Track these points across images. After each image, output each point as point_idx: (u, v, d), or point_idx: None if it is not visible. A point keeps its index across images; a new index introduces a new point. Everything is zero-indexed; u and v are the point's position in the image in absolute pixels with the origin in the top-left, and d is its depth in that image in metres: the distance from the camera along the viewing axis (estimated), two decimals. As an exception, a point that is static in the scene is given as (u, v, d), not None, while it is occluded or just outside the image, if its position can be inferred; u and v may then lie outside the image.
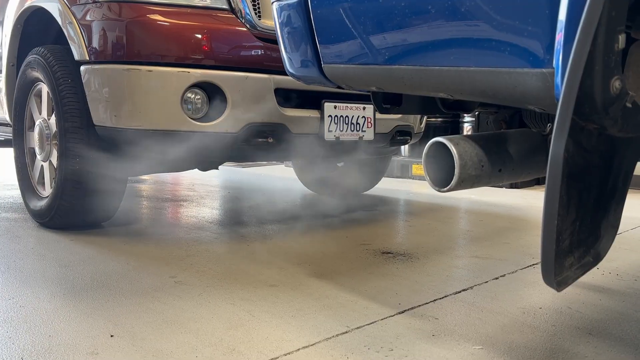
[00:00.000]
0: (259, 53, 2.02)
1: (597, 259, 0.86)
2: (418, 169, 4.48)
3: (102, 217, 2.24)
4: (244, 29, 1.99)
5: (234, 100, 1.93)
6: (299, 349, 1.10)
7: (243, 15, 2.01)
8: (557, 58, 0.68)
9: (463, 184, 0.82)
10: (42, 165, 2.30)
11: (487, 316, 1.32)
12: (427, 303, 1.41)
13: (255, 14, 2.02)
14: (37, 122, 2.30)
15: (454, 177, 0.81)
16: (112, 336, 1.14)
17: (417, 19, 0.89)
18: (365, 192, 3.52)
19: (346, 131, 2.25)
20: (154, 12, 1.90)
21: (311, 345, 1.12)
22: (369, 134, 2.35)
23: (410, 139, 2.74)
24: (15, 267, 1.65)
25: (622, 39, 0.62)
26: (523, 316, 1.33)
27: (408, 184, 4.26)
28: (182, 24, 1.91)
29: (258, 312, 1.30)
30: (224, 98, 1.93)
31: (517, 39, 0.73)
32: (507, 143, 0.86)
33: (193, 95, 1.92)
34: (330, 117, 2.17)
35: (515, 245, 2.10)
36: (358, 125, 2.29)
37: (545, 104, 0.74)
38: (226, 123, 1.94)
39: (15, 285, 1.47)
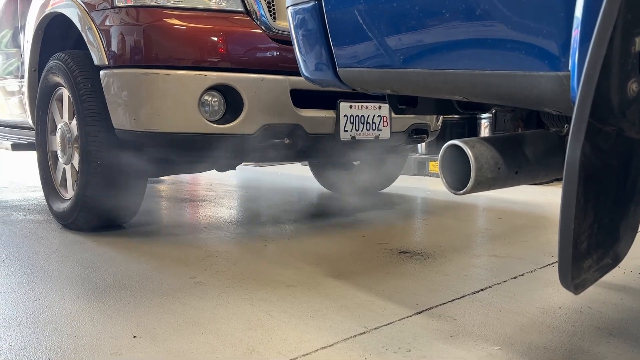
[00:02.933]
0: (275, 54, 2.03)
1: (616, 260, 0.85)
2: (435, 166, 4.45)
3: (123, 218, 2.28)
4: (259, 31, 2.01)
5: (250, 102, 1.95)
6: (317, 350, 1.11)
7: (258, 17, 2.03)
8: (573, 61, 0.68)
9: (479, 186, 0.82)
10: (64, 168, 2.35)
11: (506, 316, 1.32)
12: (444, 303, 1.41)
13: (270, 15, 2.04)
14: (58, 126, 2.35)
15: (470, 180, 0.81)
16: (134, 337, 1.16)
17: (431, 21, 0.89)
18: (382, 191, 3.52)
19: (362, 130, 2.26)
20: (171, 16, 1.93)
21: (329, 345, 1.13)
22: (385, 133, 2.35)
23: (427, 137, 2.73)
24: (40, 269, 1.69)
25: (639, 41, 0.61)
26: (542, 316, 1.32)
27: (425, 182, 4.24)
28: (199, 27, 1.93)
29: (276, 313, 1.32)
30: (240, 100, 1.95)
31: (533, 42, 0.73)
32: (524, 145, 0.86)
33: (210, 98, 1.94)
34: (346, 117, 2.18)
35: (534, 244, 2.09)
36: (374, 125, 2.29)
37: (561, 107, 0.74)
38: (243, 125, 1.96)
39: (40, 286, 1.52)
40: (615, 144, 0.75)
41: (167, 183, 4.09)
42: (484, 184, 0.82)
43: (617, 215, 0.84)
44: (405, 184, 3.96)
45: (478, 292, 1.51)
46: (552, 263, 1.81)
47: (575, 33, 0.66)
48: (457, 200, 3.22)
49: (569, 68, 0.68)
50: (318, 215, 2.72)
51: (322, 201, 3.23)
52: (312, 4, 1.08)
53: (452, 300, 1.44)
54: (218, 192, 3.62)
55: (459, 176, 0.86)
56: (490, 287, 1.55)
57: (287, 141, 2.07)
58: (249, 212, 2.88)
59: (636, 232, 0.89)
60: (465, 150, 0.81)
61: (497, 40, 0.76)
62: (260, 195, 3.51)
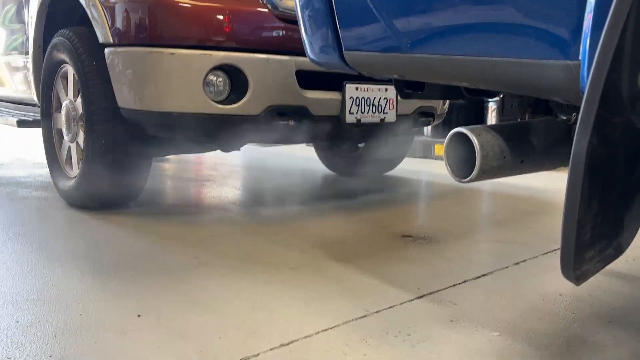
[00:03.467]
0: (281, 34, 2.01)
1: (619, 251, 0.85)
2: (440, 149, 4.43)
3: (129, 197, 2.29)
4: (266, 9, 1.98)
5: (255, 83, 1.94)
6: (318, 332, 1.12)
7: (264, -5, 2.00)
8: (584, 49, 0.66)
9: (484, 175, 0.82)
10: (69, 146, 2.36)
11: (506, 302, 1.33)
12: (446, 288, 1.42)
13: (277, -7, 2.01)
14: (63, 104, 2.34)
15: (475, 168, 0.80)
16: (139, 316, 1.18)
17: (440, 5, 0.87)
18: (386, 173, 3.51)
19: (368, 113, 2.24)
20: (177, -7, 1.90)
21: (330, 328, 1.14)
22: (390, 116, 2.33)
23: (433, 120, 2.71)
24: (46, 246, 1.71)
25: None
26: (543, 303, 1.33)
27: (430, 165, 4.23)
28: (204, 5, 1.91)
29: (279, 295, 1.33)
30: (245, 80, 1.93)
31: (543, 29, 0.72)
32: (530, 133, 0.85)
33: (215, 78, 1.93)
34: (351, 99, 2.16)
35: (538, 229, 2.09)
36: (380, 107, 2.28)
37: (570, 96, 0.73)
38: (248, 105, 1.95)
39: (47, 264, 1.53)
40: (623, 135, 0.74)
41: (172, 162, 4.10)
42: (489, 173, 0.82)
43: (621, 206, 0.84)
44: (411, 167, 3.95)
45: (480, 277, 1.52)
46: (555, 250, 1.82)
47: (588, 20, 0.65)
48: (462, 185, 3.20)
49: (579, 57, 0.67)
50: (322, 197, 2.73)
51: (326, 183, 3.23)
52: (319, -16, 1.06)
53: (454, 285, 1.44)
54: (222, 172, 3.63)
55: (463, 164, 0.86)
56: (492, 272, 1.56)
57: (291, 123, 2.06)
58: (253, 193, 2.89)
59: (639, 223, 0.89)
60: (471, 138, 0.80)
61: (506, 26, 0.75)
62: (265, 176, 3.51)
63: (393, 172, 3.55)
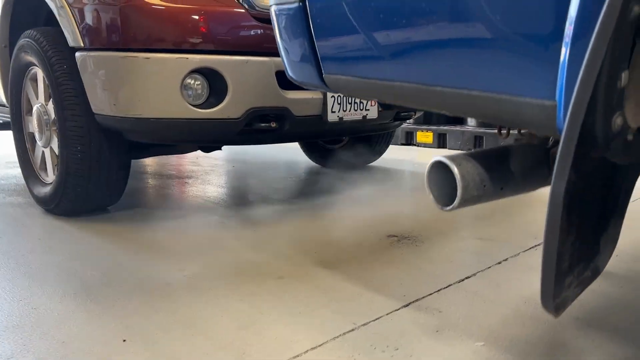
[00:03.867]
0: (259, 35, 1.97)
1: (596, 273, 0.87)
2: (422, 136, 4.45)
3: (108, 202, 2.25)
4: (243, 10, 1.93)
5: (234, 86, 1.90)
6: (307, 351, 1.13)
7: (241, -5, 1.95)
8: (560, 92, 0.67)
9: (465, 203, 0.82)
10: (43, 151, 2.30)
11: (490, 307, 1.35)
12: (431, 294, 1.43)
13: (254, -7, 1.96)
14: (34, 107, 2.27)
15: (457, 198, 0.81)
16: (124, 341, 1.17)
17: (417, 37, 0.86)
18: (370, 164, 3.51)
19: (350, 111, 2.23)
20: (149, -5, 1.84)
21: (319, 345, 1.15)
22: (372, 112, 2.32)
23: (415, 114, 2.71)
24: (24, 262, 1.67)
25: (624, 76, 0.61)
26: (525, 306, 1.35)
27: (413, 153, 4.25)
28: (179, 7, 1.85)
29: (267, 309, 1.33)
30: (224, 83, 1.90)
31: (521, 68, 0.71)
32: (510, 159, 0.85)
33: (193, 82, 1.88)
34: (333, 98, 2.14)
35: (519, 223, 2.12)
36: (362, 104, 2.26)
37: (547, 133, 0.73)
38: (227, 109, 1.92)
39: (25, 283, 1.50)
40: (599, 167, 0.75)
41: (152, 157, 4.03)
42: (470, 201, 0.83)
43: (598, 228, 0.85)
44: (394, 156, 3.96)
45: (463, 280, 1.54)
46: (536, 246, 1.85)
47: (563, 64, 0.65)
48: (443, 174, 3.23)
49: (556, 98, 0.68)
50: (307, 193, 2.72)
51: (310, 177, 3.22)
52: (296, 5, 1.03)
53: (439, 290, 1.46)
54: (204, 166, 3.59)
55: (446, 191, 0.86)
56: (475, 274, 1.58)
57: (273, 125, 2.03)
58: (237, 191, 2.87)
59: (615, 244, 0.91)
60: (452, 168, 0.80)
61: (484, 61, 0.74)
62: (248, 171, 3.48)
63: (377, 163, 3.56)
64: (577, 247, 0.79)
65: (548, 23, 0.66)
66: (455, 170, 0.80)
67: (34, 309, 1.33)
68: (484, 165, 0.82)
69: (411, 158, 3.96)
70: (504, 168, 0.85)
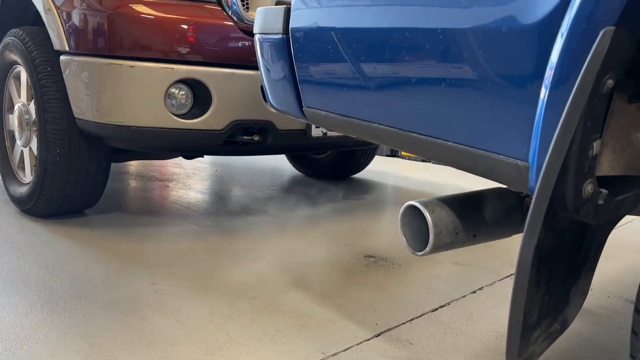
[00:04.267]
0: (246, 47, 1.95)
1: (564, 326, 0.87)
2: (407, 149, 4.46)
3: (85, 205, 2.22)
4: (231, 22, 1.92)
5: (219, 98, 1.89)
6: (273, 382, 1.11)
7: (230, 6, 1.93)
8: (533, 155, 0.67)
9: (437, 249, 0.82)
10: (22, 151, 2.26)
11: (461, 341, 1.35)
12: (404, 323, 1.43)
13: (243, 5, 1.94)
14: (16, 106, 2.23)
15: (429, 245, 0.81)
16: (88, 362, 1.15)
17: (393, 81, 0.86)
18: (354, 176, 3.51)
19: (334, 127, 2.22)
20: (138, 2, 1.82)
21: (286, 376, 1.14)
22: (357, 129, 2.32)
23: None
24: (-6, 268, 1.64)
25: (597, 145, 0.61)
26: (496, 342, 1.36)
27: (397, 165, 4.26)
28: (167, 17, 1.83)
29: (236, 333, 1.31)
30: (209, 95, 1.88)
31: (496, 128, 0.72)
32: (483, 206, 0.85)
33: (177, 91, 1.86)
34: (318, 114, 2.13)
35: (497, 248, 2.12)
36: (346, 121, 2.25)
37: (521, 190, 0.73)
38: (211, 120, 1.90)
39: (-7, 291, 1.47)
40: (570, 225, 0.75)
41: (135, 155, 3.99)
42: (442, 248, 0.83)
43: (568, 280, 0.85)
44: (377, 167, 3.96)
45: (437, 309, 1.54)
46: (511, 274, 1.86)
47: (536, 128, 0.65)
48: (427, 191, 3.24)
49: (529, 159, 0.68)
50: (288, 205, 2.70)
51: (293, 187, 3.21)
52: (279, 37, 1.02)
53: (411, 319, 1.46)
54: (187, 169, 3.56)
55: (419, 234, 0.86)
56: (449, 303, 1.58)
57: (256, 138, 2.02)
58: (218, 198, 2.85)
59: (585, 296, 0.91)
60: (425, 214, 0.80)
61: (460, 114, 0.74)
62: (230, 176, 3.46)
63: (361, 174, 3.56)
64: (546, 300, 0.80)
65: (523, 85, 0.67)
66: (428, 217, 0.80)
67: (-2, 321, 1.30)
68: (457, 212, 0.82)
69: (395, 171, 3.97)
70: (477, 215, 0.85)
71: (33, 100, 2.08)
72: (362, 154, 3.28)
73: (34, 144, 2.15)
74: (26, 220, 2.13)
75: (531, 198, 0.98)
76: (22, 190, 2.21)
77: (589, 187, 0.65)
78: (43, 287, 1.52)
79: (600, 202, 0.69)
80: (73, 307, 1.40)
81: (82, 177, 2.06)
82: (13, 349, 1.18)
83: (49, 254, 1.78)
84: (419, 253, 0.83)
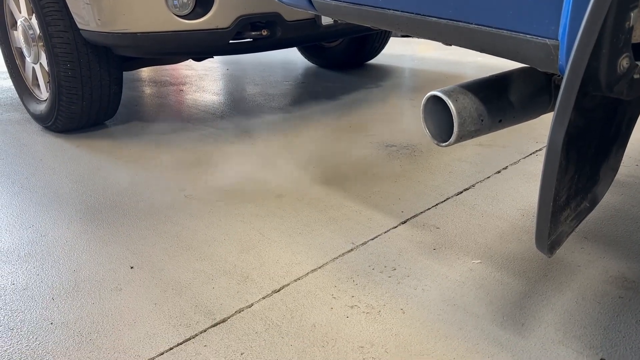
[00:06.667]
0: None
1: (594, 203, 0.86)
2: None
3: (103, 117, 2.22)
4: None
5: (222, -8, 1.77)
6: (307, 274, 1.17)
7: None
8: (563, 32, 0.61)
9: (462, 138, 0.80)
10: (33, 68, 2.22)
11: (487, 222, 1.37)
12: (429, 209, 1.45)
13: None
14: (18, 22, 2.15)
15: (453, 135, 0.78)
16: (132, 268, 1.22)
17: None
18: (368, 62, 3.39)
19: (346, 12, 2.09)
20: None
21: (319, 267, 1.19)
22: (371, 13, 2.18)
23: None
24: (28, 186, 1.69)
25: (634, 15, 0.55)
26: (522, 220, 1.38)
27: (412, 46, 4.07)
28: None
29: (267, 230, 1.36)
30: (211, -10, 1.77)
31: (522, 6, 0.65)
32: (508, 89, 0.81)
33: (177, -10, 1.75)
34: None
35: (520, 125, 2.08)
36: (359, 5, 2.12)
37: (549, 70, 0.68)
38: (215, 18, 1.81)
39: (32, 209, 1.53)
40: (601, 102, 0.71)
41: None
42: (467, 136, 0.80)
43: (599, 157, 0.83)
44: (392, 50, 3.80)
45: (462, 192, 1.55)
46: (536, 151, 1.83)
47: (567, 2, 0.59)
48: (445, 71, 3.13)
49: (558, 37, 0.62)
50: (303, 100, 2.66)
51: (307, 80, 3.13)
52: None
53: (437, 204, 1.48)
54: (198, 70, 3.48)
55: (442, 124, 0.83)
56: (473, 185, 1.59)
57: (265, 32, 1.93)
58: (233, 98, 2.80)
59: (616, 172, 0.89)
60: (448, 104, 0.76)
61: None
62: (243, 74, 3.37)
63: (375, 60, 3.43)
64: (575, 181, 0.78)
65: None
66: (451, 106, 0.76)
67: (43, 236, 1.37)
68: (482, 98, 0.79)
69: (411, 52, 3.80)
70: (502, 99, 0.81)
71: (34, 15, 1.99)
72: (377, 37, 3.13)
73: (44, 60, 2.10)
74: (50, 137, 2.16)
75: (560, 77, 0.92)
76: (41, 107, 2.21)
77: (624, 62, 0.60)
78: (78, 201, 1.58)
79: (637, 76, 0.64)
80: (109, 218, 1.46)
81: (96, 89, 2.04)
82: (61, 260, 1.26)
83: (78, 168, 1.82)
84: (443, 144, 0.81)
